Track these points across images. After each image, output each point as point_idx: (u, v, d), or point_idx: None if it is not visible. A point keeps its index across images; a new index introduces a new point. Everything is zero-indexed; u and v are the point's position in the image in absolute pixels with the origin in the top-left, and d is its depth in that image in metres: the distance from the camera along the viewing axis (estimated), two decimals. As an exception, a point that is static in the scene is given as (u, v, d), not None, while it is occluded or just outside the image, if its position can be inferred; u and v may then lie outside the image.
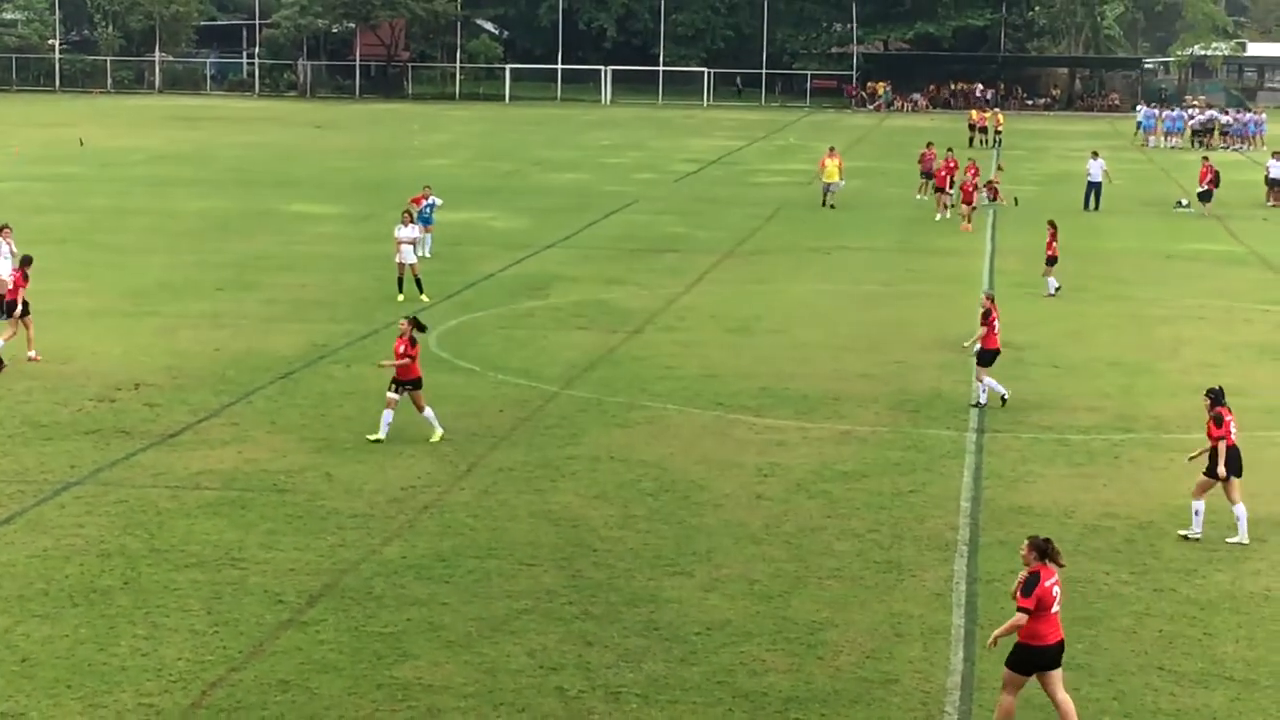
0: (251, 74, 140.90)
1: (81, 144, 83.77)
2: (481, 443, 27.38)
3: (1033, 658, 16.13)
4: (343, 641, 18.59)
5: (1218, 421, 22.74)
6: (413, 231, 40.87)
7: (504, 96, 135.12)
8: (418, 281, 40.32)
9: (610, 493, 24.64)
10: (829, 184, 62.39)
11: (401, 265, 40.42)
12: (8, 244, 36.44)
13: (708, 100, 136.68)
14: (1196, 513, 22.84)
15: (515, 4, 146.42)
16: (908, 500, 24.52)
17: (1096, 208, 62.52)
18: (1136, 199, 67.09)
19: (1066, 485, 25.42)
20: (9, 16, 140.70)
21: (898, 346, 32.46)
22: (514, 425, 28.59)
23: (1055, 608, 16.11)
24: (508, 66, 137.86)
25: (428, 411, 27.27)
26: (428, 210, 46.56)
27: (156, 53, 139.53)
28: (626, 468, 26.00)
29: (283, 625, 19.06)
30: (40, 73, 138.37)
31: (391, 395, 27.16)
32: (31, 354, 32.68)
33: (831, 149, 64.90)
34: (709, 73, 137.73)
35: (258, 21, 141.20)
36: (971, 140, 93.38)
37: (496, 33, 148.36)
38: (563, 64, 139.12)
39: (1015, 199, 62.58)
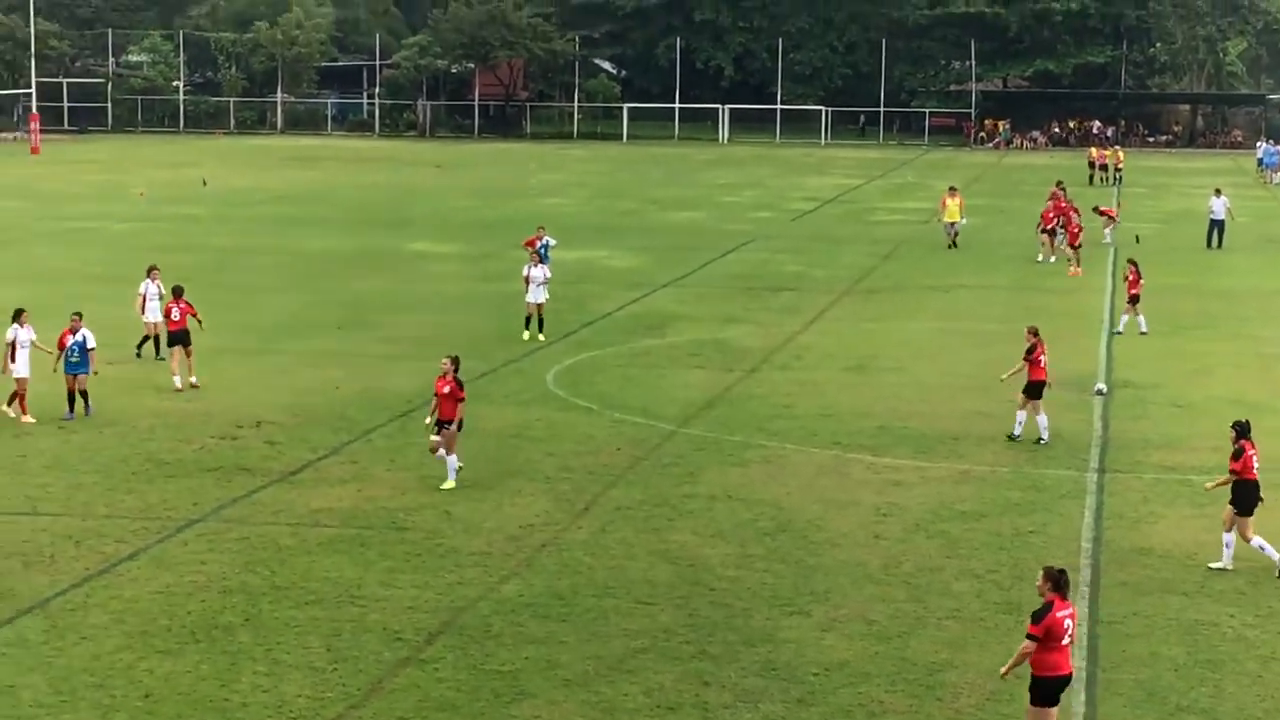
0: (372, 114, 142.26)
1: (205, 184, 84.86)
2: (599, 481, 27.42)
3: (1053, 687, 16.22)
4: (461, 679, 18.66)
5: (1236, 456, 22.96)
6: (544, 271, 40.94)
7: (622, 135, 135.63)
8: (540, 321, 40.44)
9: (727, 532, 24.60)
10: (951, 223, 62.00)
11: (530, 304, 40.60)
12: (155, 285, 37.13)
13: (825, 138, 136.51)
14: (1226, 545, 22.94)
15: (633, 44, 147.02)
16: (1027, 541, 24.32)
17: (1219, 245, 61.84)
18: (1260, 236, 66.28)
19: (1189, 526, 25.10)
20: (135, 59, 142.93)
21: (1016, 385, 32.06)
22: (631, 464, 28.61)
23: (1066, 640, 16.20)
24: (625, 106, 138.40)
25: (452, 459, 26.79)
26: (542, 250, 46.30)
27: (279, 94, 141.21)
28: (744, 506, 25.96)
29: (402, 663, 19.16)
30: (165, 114, 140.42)
31: (434, 438, 26.88)
32: (192, 380, 34.58)
33: (952, 188, 64.52)
34: (826, 111, 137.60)
35: (378, 62, 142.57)
36: (1091, 178, 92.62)
37: (614, 72, 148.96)
38: (680, 103, 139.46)
39: (1137, 236, 62.00)
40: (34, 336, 31.95)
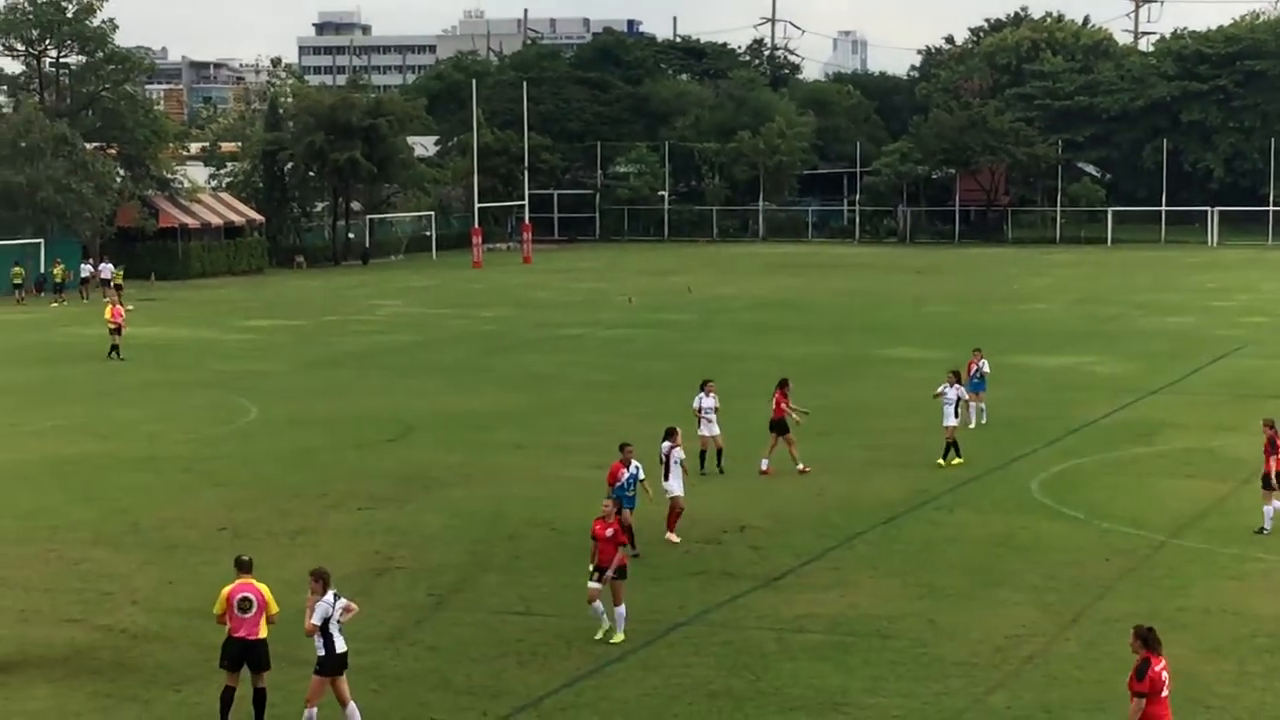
0: (852, 220, 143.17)
1: (689, 291, 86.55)
2: (1087, 592, 26.79)
3: None
4: (947, 792, 18.37)
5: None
6: (957, 391, 38.66)
7: (1106, 239, 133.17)
8: (954, 445, 38.13)
9: (1224, 647, 23.72)
10: None
11: (947, 428, 38.24)
12: (711, 398, 36.75)
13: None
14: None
15: (1118, 146, 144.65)
16: None
17: None
18: None
19: None
20: (622, 170, 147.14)
21: None
22: (1120, 575, 27.89)
23: (1165, 692, 17.45)
24: (1110, 209, 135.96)
25: (621, 609, 24.32)
26: (976, 378, 43.28)
27: (760, 201, 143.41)
28: (1240, 621, 25.00)
29: (887, 773, 18.98)
30: (650, 223, 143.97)
31: (594, 585, 24.47)
32: (799, 466, 36.26)
33: None
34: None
35: (859, 169, 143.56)
36: None
37: (1098, 175, 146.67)
38: (1167, 205, 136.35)
39: None
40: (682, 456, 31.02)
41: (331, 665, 19.99)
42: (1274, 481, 30.76)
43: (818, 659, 23.33)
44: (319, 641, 19.97)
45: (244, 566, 20.72)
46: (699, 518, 32.27)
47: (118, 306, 60.94)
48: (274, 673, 20.65)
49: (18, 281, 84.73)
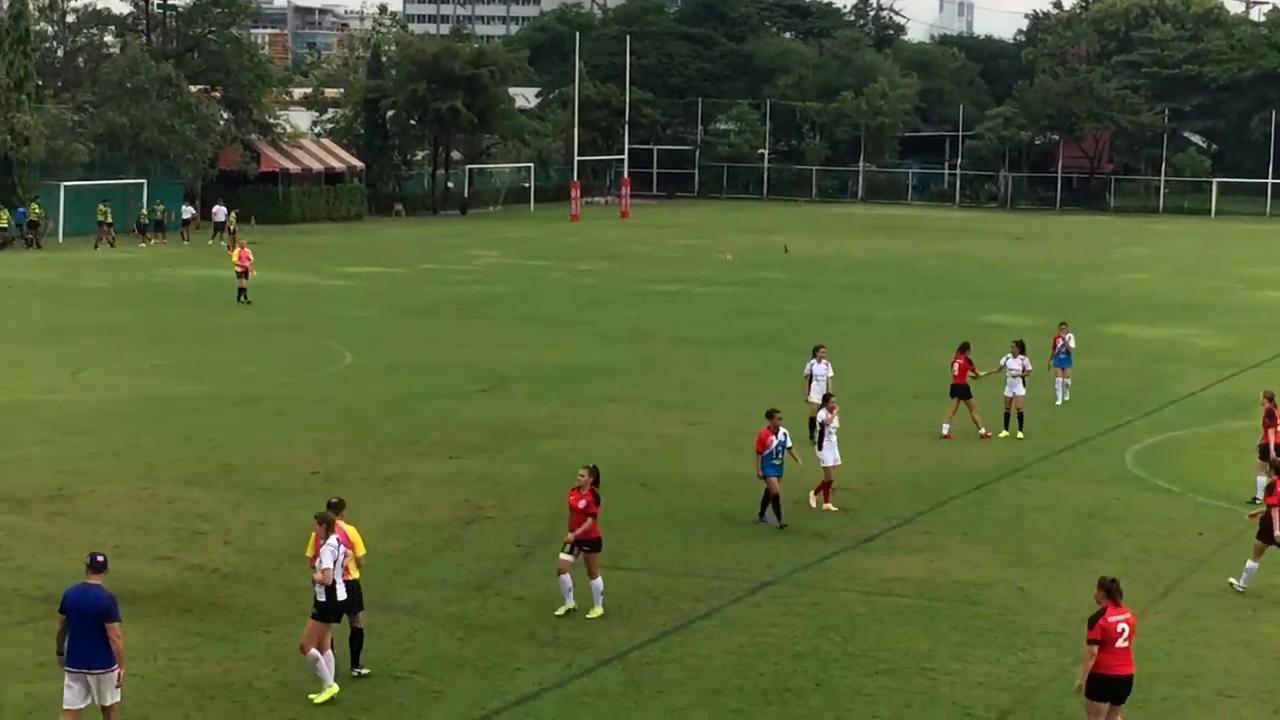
0: (952, 184, 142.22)
1: (786, 251, 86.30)
2: (1179, 565, 26.58)
3: (1102, 685, 17.82)
4: (1032, 761, 18.29)
5: (1269, 490, 25.03)
6: (1021, 363, 37.72)
7: (1210, 211, 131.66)
8: (1019, 416, 37.59)
9: (1319, 627, 23.46)
10: None
11: (1006, 398, 37.57)
12: (823, 365, 36.27)
13: None
14: (1248, 570, 25.01)
15: (1225, 117, 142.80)
16: None
17: None
18: None
19: None
20: (723, 127, 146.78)
21: None
22: (1214, 549, 27.63)
23: (1121, 643, 17.84)
24: (1215, 180, 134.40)
25: (597, 582, 23.38)
26: (1063, 353, 41.85)
27: (860, 163, 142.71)
28: (1336, 601, 24.72)
29: (971, 740, 18.92)
30: (749, 181, 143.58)
31: (565, 557, 23.36)
32: (981, 430, 36.60)
33: None
34: None
35: (961, 133, 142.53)
36: None
37: (1204, 146, 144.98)
38: (1273, 178, 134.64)
39: None
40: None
41: (333, 612, 19.92)
42: (1273, 453, 30.49)
43: (905, 623, 23.25)
44: (319, 589, 19.80)
45: (335, 508, 20.78)
46: (790, 478, 32.18)
47: (246, 249, 60.74)
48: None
49: (103, 219, 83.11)
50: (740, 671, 21.08)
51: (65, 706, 17.85)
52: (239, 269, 59.68)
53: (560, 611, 23.21)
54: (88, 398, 39.81)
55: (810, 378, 36.20)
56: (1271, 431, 31.21)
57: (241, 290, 59.46)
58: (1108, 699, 17.91)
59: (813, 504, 29.82)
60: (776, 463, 28.50)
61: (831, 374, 36.24)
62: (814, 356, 36.55)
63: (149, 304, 59.04)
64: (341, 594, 19.95)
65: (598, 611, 23.28)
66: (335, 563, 19.87)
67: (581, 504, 23.17)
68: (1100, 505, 30.56)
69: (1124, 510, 30.30)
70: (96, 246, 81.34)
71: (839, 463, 29.95)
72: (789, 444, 28.75)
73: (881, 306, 62.75)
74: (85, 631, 17.78)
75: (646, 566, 25.93)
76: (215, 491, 30.29)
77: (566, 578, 23.20)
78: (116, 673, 17.80)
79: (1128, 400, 41.58)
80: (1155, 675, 21.10)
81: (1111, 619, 17.79)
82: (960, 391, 37.03)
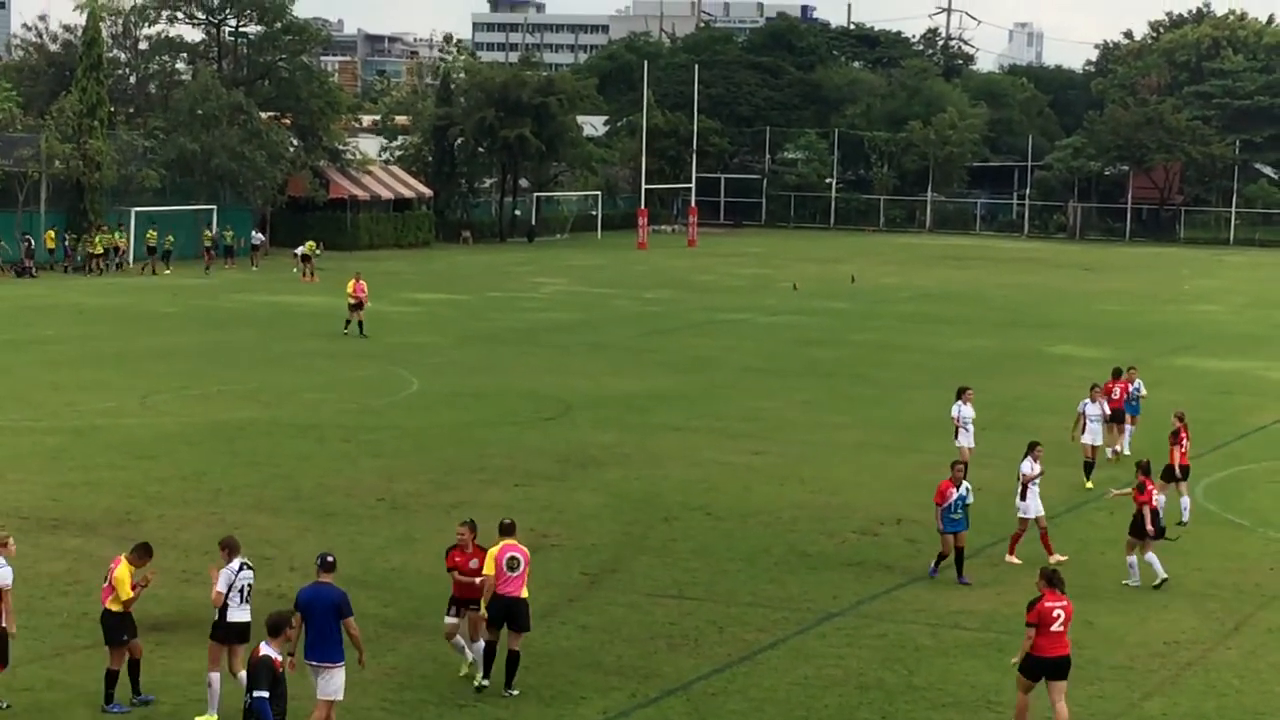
0: (1021, 215, 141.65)
1: (853, 280, 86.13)
2: (1250, 601, 26.35)
3: (1036, 664, 19.63)
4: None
5: (1140, 489, 27.28)
6: (1100, 408, 36.66)
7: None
8: (1087, 466, 36.26)
9: (1390, 665, 23.18)
10: None
11: (1087, 447, 36.19)
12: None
13: None
14: (1131, 566, 27.03)
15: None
16: None
17: None
18: None
19: None
20: (790, 156, 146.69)
21: None
22: (1286, 585, 27.37)
23: (1056, 627, 19.58)
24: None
25: (479, 645, 21.51)
26: (1134, 400, 39.50)
27: (928, 192, 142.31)
28: None
29: (1038, 775, 18.76)
30: (817, 210, 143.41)
31: (450, 620, 21.93)
32: (1113, 449, 37.55)
33: None
34: None
35: (1030, 163, 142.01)
36: None
37: (1276, 177, 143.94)
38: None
39: None
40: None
41: (226, 632, 20.32)
42: (1177, 473, 31.44)
43: (971, 656, 23.12)
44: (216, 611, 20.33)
45: (507, 530, 21.55)
46: (856, 507, 32.13)
47: (361, 282, 58.90)
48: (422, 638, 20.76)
49: (209, 245, 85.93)
50: (805, 703, 20.99)
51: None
52: (352, 300, 58.34)
53: (464, 672, 21.76)
54: (157, 422, 40.04)
55: (958, 420, 35.49)
56: (1177, 450, 31.84)
57: (358, 323, 57.97)
58: (1040, 676, 19.65)
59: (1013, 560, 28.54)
60: (955, 517, 27.23)
61: (974, 415, 35.62)
62: (960, 398, 35.87)
63: (217, 329, 59.36)
64: (241, 616, 20.33)
65: (473, 675, 21.53)
66: (230, 587, 20.30)
67: (473, 563, 21.45)
68: (1170, 539, 30.26)
69: (1194, 544, 30.06)
70: (208, 269, 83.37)
71: (1041, 513, 28.86)
72: (970, 499, 27.52)
73: (948, 337, 62.51)
74: (317, 627, 19.06)
75: (711, 596, 25.87)
76: (282, 517, 30.40)
77: (458, 639, 21.82)
78: (343, 669, 18.97)
79: (1197, 433, 41.04)
80: (1225, 711, 20.94)
81: (1048, 604, 19.62)
82: (1119, 417, 38.06)
